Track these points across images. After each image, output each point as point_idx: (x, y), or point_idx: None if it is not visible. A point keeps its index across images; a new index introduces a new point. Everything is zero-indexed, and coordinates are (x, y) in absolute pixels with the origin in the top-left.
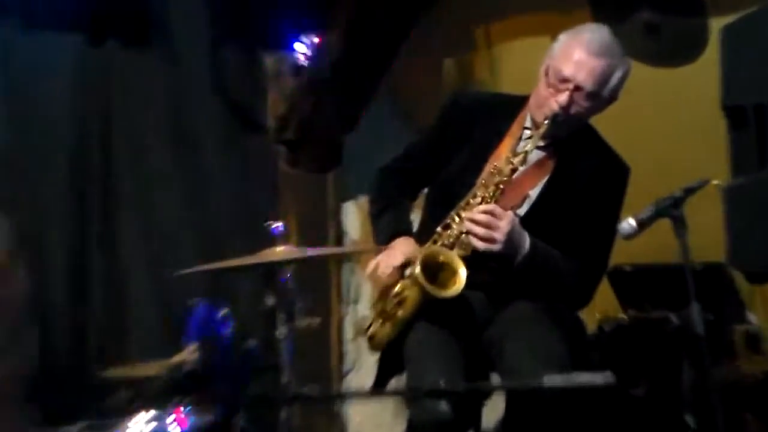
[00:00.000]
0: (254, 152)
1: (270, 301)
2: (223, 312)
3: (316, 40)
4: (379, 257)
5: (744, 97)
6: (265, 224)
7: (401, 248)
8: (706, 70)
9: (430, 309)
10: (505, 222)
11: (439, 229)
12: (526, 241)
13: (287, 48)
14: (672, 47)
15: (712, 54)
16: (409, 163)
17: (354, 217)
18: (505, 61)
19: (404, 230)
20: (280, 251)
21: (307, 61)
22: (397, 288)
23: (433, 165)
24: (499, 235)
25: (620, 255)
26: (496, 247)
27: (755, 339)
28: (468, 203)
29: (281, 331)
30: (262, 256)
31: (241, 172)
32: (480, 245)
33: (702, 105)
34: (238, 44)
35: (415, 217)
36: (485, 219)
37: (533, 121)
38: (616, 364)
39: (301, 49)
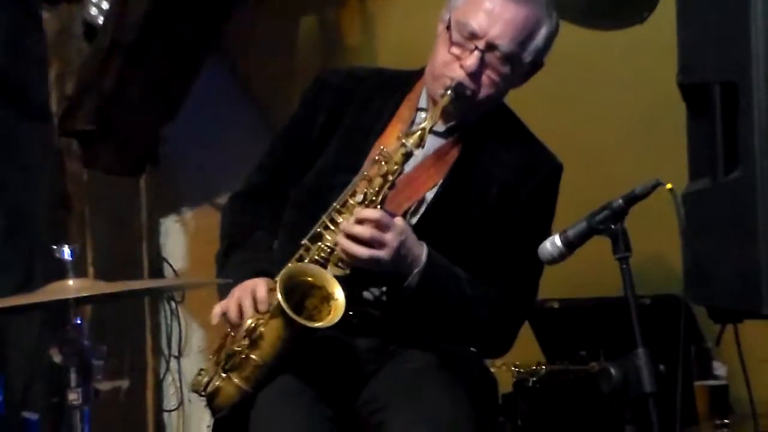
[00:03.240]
0: (31, 147)
1: (57, 355)
2: None
3: None
4: (230, 297)
5: (708, 73)
6: (50, 248)
7: (257, 281)
8: (659, 35)
9: (293, 357)
10: (393, 234)
11: (305, 241)
12: (423, 253)
13: None
14: (611, 3)
15: (667, 12)
16: (265, 175)
17: (177, 238)
18: (384, 20)
19: (261, 272)
20: (71, 286)
21: (104, 18)
22: (248, 323)
23: (299, 173)
24: (386, 254)
25: (544, 287)
26: (380, 267)
27: (722, 398)
28: (346, 203)
29: (74, 398)
30: (44, 294)
31: (13, 175)
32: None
33: (655, 82)
34: None
35: None
36: (367, 233)
37: (430, 98)
38: None
39: (96, 1)
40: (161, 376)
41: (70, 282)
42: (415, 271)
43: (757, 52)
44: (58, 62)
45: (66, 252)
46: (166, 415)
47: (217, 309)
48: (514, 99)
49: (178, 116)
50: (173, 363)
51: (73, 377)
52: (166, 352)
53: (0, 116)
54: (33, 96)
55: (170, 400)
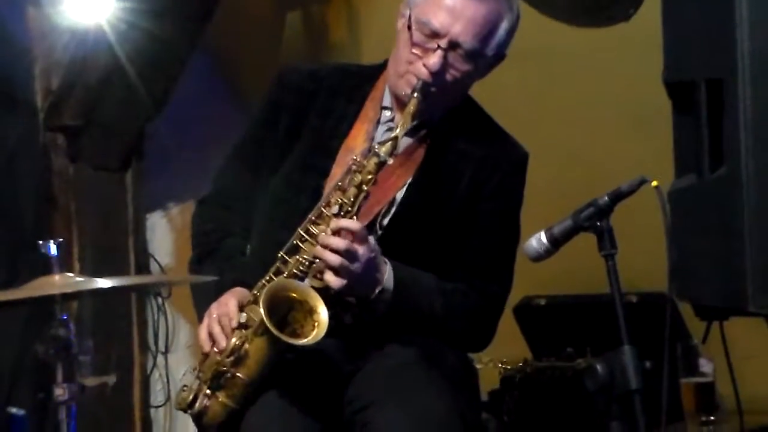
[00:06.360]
0: (16, 142)
1: (42, 350)
2: None
3: None
4: (208, 317)
5: (693, 70)
6: (35, 244)
7: (231, 295)
8: (645, 32)
9: (279, 371)
10: (366, 249)
11: (282, 254)
12: (383, 275)
13: None
14: (597, 0)
15: (653, 9)
16: (231, 179)
17: (163, 233)
18: (369, 16)
19: (234, 282)
20: (56, 281)
21: (89, 14)
22: (232, 342)
23: (266, 175)
24: (357, 267)
25: (531, 284)
26: (347, 279)
27: (708, 395)
28: (321, 215)
29: (60, 393)
30: (29, 290)
31: None
32: (332, 281)
33: (641, 79)
34: None
35: None
36: (343, 244)
37: (394, 96)
38: None
39: None
40: (148, 371)
41: (54, 278)
42: (378, 293)
43: (742, 49)
44: (43, 59)
45: (51, 247)
46: (153, 410)
47: (203, 335)
48: (499, 97)
49: (163, 112)
50: (160, 359)
51: (59, 373)
52: (153, 347)
53: None
54: (18, 91)
55: (157, 396)
